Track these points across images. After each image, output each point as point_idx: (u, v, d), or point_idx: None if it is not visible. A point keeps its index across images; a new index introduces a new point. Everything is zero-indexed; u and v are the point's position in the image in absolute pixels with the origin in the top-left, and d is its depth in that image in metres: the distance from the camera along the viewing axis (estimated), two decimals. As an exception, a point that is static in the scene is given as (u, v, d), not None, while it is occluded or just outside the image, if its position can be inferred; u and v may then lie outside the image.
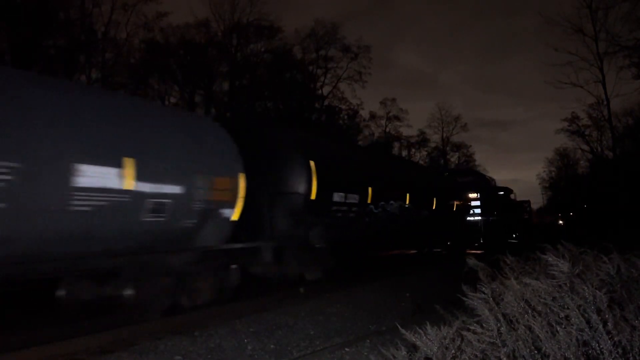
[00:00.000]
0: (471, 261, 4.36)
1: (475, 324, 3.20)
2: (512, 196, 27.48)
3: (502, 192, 25.57)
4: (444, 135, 53.80)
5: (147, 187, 6.73)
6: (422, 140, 50.15)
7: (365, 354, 5.75)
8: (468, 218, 20.89)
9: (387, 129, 46.72)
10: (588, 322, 2.91)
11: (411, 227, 15.09)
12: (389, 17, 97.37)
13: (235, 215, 8.44)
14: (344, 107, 38.65)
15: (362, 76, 36.74)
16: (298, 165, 9.94)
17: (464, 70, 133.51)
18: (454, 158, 56.85)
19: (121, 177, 6.40)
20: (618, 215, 29.25)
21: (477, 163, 60.55)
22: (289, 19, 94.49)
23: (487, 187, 23.77)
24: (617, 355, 2.79)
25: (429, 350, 2.96)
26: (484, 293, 3.53)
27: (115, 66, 25.84)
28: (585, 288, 3.16)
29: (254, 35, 32.23)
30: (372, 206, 12.35)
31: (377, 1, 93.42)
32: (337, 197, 11.00)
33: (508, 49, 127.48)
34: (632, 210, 28.10)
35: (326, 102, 37.64)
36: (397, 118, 46.38)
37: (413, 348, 3.14)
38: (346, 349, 6.01)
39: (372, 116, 45.00)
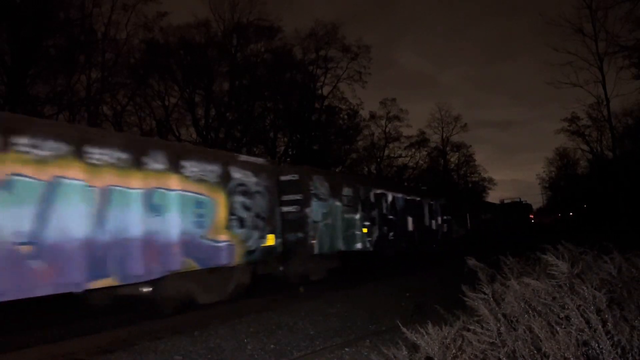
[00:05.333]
0: (471, 261, 4.36)
1: (475, 324, 3.21)
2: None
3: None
4: (444, 135, 53.77)
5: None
6: (422, 140, 50.04)
7: (365, 353, 5.75)
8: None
9: (387, 129, 46.68)
10: (588, 322, 2.91)
11: (512, 224, 39.20)
12: (390, 18, 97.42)
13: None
14: (343, 107, 38.63)
15: (362, 76, 36.58)
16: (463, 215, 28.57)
17: (465, 70, 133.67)
18: (453, 158, 56.84)
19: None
20: (618, 215, 29.26)
21: (477, 163, 60.77)
22: (289, 19, 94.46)
23: (531, 207, 52.11)
24: (616, 355, 2.79)
25: (430, 350, 2.96)
26: (485, 293, 3.53)
27: (115, 66, 25.75)
28: (585, 288, 3.16)
29: (254, 35, 32.16)
30: (498, 218, 37.00)
31: (378, 2, 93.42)
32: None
33: (508, 49, 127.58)
34: (632, 210, 28.10)
35: (326, 102, 37.61)
36: (397, 118, 46.25)
37: (413, 347, 3.15)
38: (346, 349, 6.01)
39: (372, 116, 44.89)
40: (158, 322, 7.81)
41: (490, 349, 2.97)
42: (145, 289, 8.02)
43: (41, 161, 6.50)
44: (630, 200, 29.24)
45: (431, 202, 21.40)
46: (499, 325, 3.06)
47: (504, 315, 3.23)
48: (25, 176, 6.34)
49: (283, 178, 11.73)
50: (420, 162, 50.95)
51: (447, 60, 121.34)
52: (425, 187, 40.23)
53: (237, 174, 9.90)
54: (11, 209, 6.11)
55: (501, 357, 2.90)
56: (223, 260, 9.24)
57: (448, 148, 54.65)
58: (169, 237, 8.16)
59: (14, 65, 21.31)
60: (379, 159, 46.60)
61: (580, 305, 3.04)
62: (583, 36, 25.82)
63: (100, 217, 7.14)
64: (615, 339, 2.85)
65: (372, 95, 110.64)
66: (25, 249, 6.19)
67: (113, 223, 7.30)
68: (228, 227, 9.47)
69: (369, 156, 45.73)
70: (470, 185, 59.52)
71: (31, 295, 6.29)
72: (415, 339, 3.04)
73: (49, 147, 6.61)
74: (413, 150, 49.39)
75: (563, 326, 2.94)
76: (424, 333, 3.03)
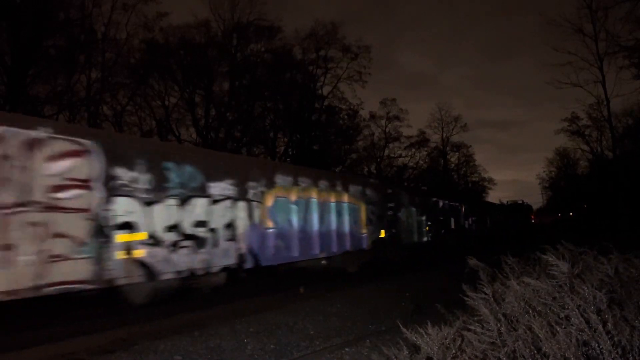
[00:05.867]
0: (472, 261, 4.36)
1: (475, 324, 3.20)
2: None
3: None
4: (444, 135, 53.85)
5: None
6: (422, 140, 50.06)
7: (365, 353, 5.74)
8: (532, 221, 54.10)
9: (387, 129, 46.69)
10: (588, 322, 2.91)
11: (515, 224, 41.80)
12: (390, 18, 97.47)
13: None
14: (343, 107, 38.62)
15: (362, 76, 36.57)
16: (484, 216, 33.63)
17: (465, 70, 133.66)
18: (453, 158, 56.87)
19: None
20: (618, 215, 29.25)
21: (477, 163, 60.80)
22: (289, 19, 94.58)
23: (531, 208, 57.18)
24: (616, 355, 2.79)
25: (430, 350, 2.96)
26: (485, 293, 3.53)
27: (115, 66, 25.76)
28: (585, 288, 3.16)
29: (254, 35, 32.14)
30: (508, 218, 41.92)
31: (379, 2, 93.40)
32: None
33: (509, 49, 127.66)
34: (632, 210, 28.10)
35: (326, 102, 37.60)
36: (397, 118, 46.29)
37: (413, 348, 3.14)
38: (346, 349, 6.00)
39: (372, 116, 44.95)
40: (158, 322, 7.81)
41: (491, 349, 2.97)
42: (323, 262, 13.18)
43: (304, 189, 12.28)
44: (630, 200, 29.24)
45: (465, 206, 28.08)
46: (499, 325, 3.06)
47: (504, 315, 3.23)
48: (300, 198, 12.06)
49: (387, 192, 17.18)
50: (420, 162, 51.07)
51: (447, 61, 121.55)
52: (425, 187, 42.67)
53: (368, 191, 15.59)
54: (297, 214, 11.83)
55: (501, 357, 2.89)
56: (363, 245, 14.92)
57: (448, 148, 54.76)
58: (344, 230, 13.85)
59: (14, 65, 21.29)
60: (379, 159, 46.63)
61: (580, 305, 3.04)
62: (583, 36, 25.90)
63: (321, 219, 12.77)
64: (616, 339, 2.85)
65: (372, 96, 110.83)
66: (300, 233, 11.82)
67: (325, 222, 12.97)
68: (365, 225, 15.12)
69: (369, 156, 45.76)
70: (470, 185, 59.53)
71: (302, 259, 11.97)
72: (415, 340, 3.03)
73: (306, 182, 12.42)
74: (413, 150, 49.48)
75: (563, 326, 2.93)
76: (424, 333, 3.03)
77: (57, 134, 6.88)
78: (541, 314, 3.16)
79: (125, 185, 7.65)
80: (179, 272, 8.47)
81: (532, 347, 2.88)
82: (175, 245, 8.42)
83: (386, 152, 47.43)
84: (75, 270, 6.80)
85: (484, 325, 3.11)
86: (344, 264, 13.83)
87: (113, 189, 7.51)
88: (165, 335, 6.88)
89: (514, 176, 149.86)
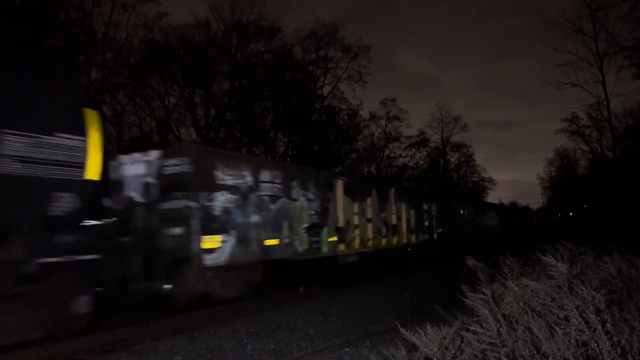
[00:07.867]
0: (471, 261, 4.36)
1: (475, 324, 3.21)
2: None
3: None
4: (444, 135, 53.87)
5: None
6: (422, 141, 50.06)
7: (365, 354, 5.75)
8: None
9: (387, 129, 46.70)
10: (587, 322, 2.91)
11: (515, 224, 45.24)
12: (391, 19, 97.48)
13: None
14: (343, 107, 38.63)
15: (362, 76, 36.60)
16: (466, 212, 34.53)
17: (466, 71, 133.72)
18: (453, 158, 56.90)
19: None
20: (618, 215, 29.26)
21: (477, 163, 60.86)
22: (289, 19, 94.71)
23: (531, 210, 74.28)
24: (616, 356, 2.79)
25: (428, 350, 2.96)
26: (484, 294, 3.53)
27: (115, 66, 25.81)
28: (584, 289, 3.16)
29: (254, 35, 32.17)
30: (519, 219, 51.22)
31: (379, 3, 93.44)
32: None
33: (510, 50, 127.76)
34: (632, 210, 28.10)
35: (326, 102, 37.62)
36: (397, 118, 46.28)
37: (413, 348, 3.15)
38: (346, 349, 6.00)
39: (372, 116, 44.95)
40: (158, 322, 7.82)
41: (490, 349, 2.97)
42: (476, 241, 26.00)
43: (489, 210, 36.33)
44: (630, 200, 29.24)
45: (493, 210, 37.96)
46: (498, 325, 3.06)
47: (504, 316, 3.24)
48: (489, 213, 35.12)
49: (500, 206, 42.61)
50: (420, 162, 51.07)
51: (447, 61, 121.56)
52: (425, 187, 44.36)
53: (496, 207, 39.38)
54: (490, 219, 34.05)
55: (501, 357, 2.90)
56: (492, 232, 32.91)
57: (448, 148, 54.78)
58: (492, 225, 33.60)
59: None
60: (379, 159, 46.65)
61: (579, 306, 3.04)
62: (583, 36, 25.84)
63: (489, 220, 33.34)
64: (615, 339, 2.86)
65: (372, 96, 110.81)
66: (488, 226, 33.19)
67: (488, 222, 32.91)
68: (497, 222, 35.07)
69: (369, 156, 45.77)
70: (470, 185, 59.56)
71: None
72: (414, 340, 3.04)
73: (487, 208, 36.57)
74: (413, 150, 49.48)
75: (562, 327, 2.94)
76: (423, 334, 3.03)
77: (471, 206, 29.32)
78: (540, 315, 3.16)
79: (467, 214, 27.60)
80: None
81: (531, 347, 2.88)
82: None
83: (386, 152, 47.49)
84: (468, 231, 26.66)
85: (483, 325, 3.12)
86: (489, 238, 28.03)
87: (475, 214, 28.71)
88: (165, 335, 6.88)
89: (514, 176, 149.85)
